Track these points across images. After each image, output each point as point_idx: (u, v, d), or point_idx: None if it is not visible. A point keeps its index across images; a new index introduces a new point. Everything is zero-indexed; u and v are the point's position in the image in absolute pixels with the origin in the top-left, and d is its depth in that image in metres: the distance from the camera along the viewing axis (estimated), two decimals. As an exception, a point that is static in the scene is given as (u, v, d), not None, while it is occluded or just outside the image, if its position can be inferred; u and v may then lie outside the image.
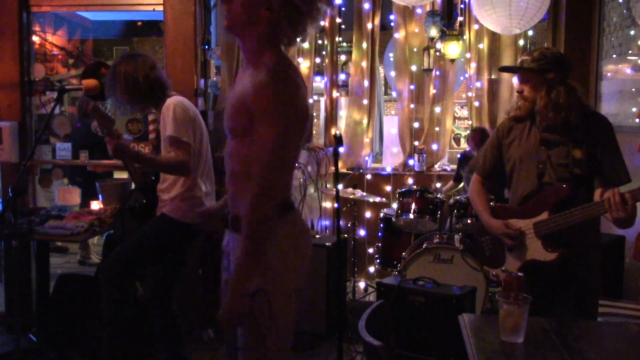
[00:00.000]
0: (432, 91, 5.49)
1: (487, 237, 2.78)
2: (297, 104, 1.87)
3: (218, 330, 1.82)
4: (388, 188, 5.41)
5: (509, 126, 2.72)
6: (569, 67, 2.62)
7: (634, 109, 3.73)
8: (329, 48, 5.52)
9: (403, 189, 4.63)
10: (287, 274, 1.97)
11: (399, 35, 5.50)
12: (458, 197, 4.42)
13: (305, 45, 5.51)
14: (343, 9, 5.62)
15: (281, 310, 1.95)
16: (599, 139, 2.54)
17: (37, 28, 4.81)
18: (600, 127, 2.58)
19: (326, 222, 5.40)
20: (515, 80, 2.81)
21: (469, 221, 4.26)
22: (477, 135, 4.92)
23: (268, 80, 1.84)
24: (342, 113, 5.79)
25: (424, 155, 5.39)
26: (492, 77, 5.43)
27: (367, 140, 5.60)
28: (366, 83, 5.53)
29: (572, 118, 2.52)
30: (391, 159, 5.97)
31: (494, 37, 5.33)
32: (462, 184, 5.14)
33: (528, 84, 2.59)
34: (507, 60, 5.33)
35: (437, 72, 5.45)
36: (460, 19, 5.38)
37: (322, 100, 6.14)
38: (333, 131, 5.33)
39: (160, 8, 4.30)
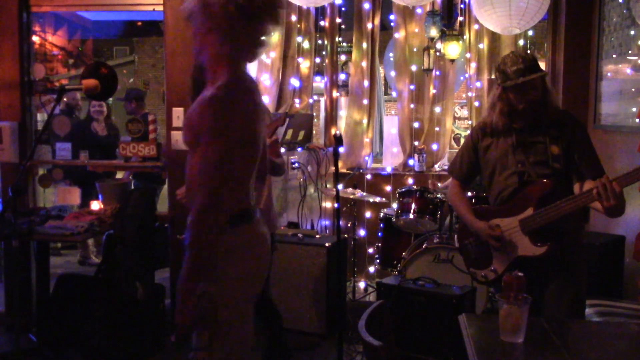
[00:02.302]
0: (432, 91, 5.49)
1: (471, 239, 2.80)
2: (242, 125, 1.92)
3: (178, 336, 1.93)
4: (388, 188, 5.41)
5: (482, 132, 2.76)
6: None
7: (634, 109, 3.73)
8: (329, 48, 5.52)
9: (403, 189, 4.62)
10: (241, 282, 2.04)
11: (399, 35, 5.49)
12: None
13: (305, 45, 5.51)
14: (343, 9, 5.62)
15: (232, 315, 2.01)
16: (573, 134, 2.60)
17: (37, 28, 4.81)
18: (573, 123, 2.65)
19: (326, 222, 5.40)
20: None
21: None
22: None
23: (212, 98, 1.88)
24: (342, 113, 5.78)
25: (424, 155, 5.38)
26: (492, 77, 5.42)
27: (367, 140, 5.60)
28: (366, 83, 5.52)
29: (551, 114, 2.61)
30: (391, 159, 5.96)
31: (494, 37, 5.33)
32: None
33: (537, 90, 2.60)
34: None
35: (437, 72, 5.45)
36: (460, 19, 5.38)
37: (322, 100, 6.14)
38: (333, 131, 5.33)
39: (160, 8, 4.30)
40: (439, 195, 4.52)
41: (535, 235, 2.56)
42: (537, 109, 2.60)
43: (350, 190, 4.71)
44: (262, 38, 1.99)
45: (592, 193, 2.37)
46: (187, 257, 1.91)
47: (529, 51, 5.36)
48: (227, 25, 1.91)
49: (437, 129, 5.51)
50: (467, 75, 5.58)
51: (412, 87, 5.47)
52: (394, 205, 4.70)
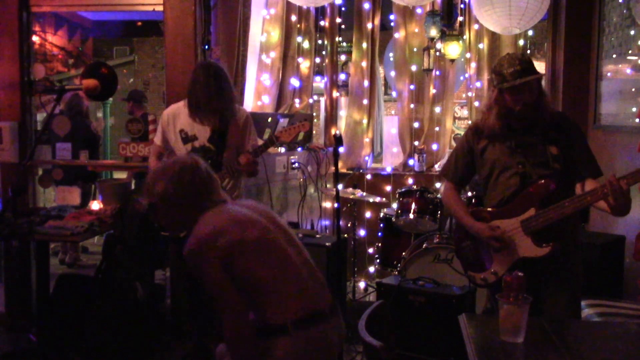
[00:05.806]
0: (432, 91, 5.48)
1: (468, 242, 2.77)
2: (213, 257, 2.08)
3: None
4: (388, 188, 5.41)
5: (477, 134, 2.73)
6: None
7: (634, 109, 3.72)
8: (329, 48, 5.52)
9: (403, 189, 4.62)
10: None
11: (399, 35, 5.49)
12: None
13: (305, 45, 5.51)
14: (343, 9, 5.62)
15: None
16: (570, 135, 2.61)
17: (37, 28, 4.81)
18: (569, 124, 2.66)
19: (326, 222, 5.40)
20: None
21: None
22: None
23: (192, 254, 2.12)
24: (342, 113, 5.79)
25: (424, 155, 5.38)
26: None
27: (367, 140, 5.60)
28: (366, 83, 5.52)
29: (547, 116, 2.61)
30: (391, 159, 5.96)
31: (494, 37, 5.33)
32: None
33: (533, 92, 2.57)
34: (507, 60, 5.31)
35: (437, 72, 5.45)
36: (460, 19, 5.38)
37: (322, 100, 6.14)
38: (333, 131, 5.33)
39: (160, 8, 4.30)
40: (438, 196, 4.52)
41: (537, 236, 2.54)
42: (534, 110, 2.58)
43: (350, 190, 4.71)
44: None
45: (597, 192, 2.37)
46: None
47: (528, 51, 5.37)
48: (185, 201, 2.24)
49: (437, 129, 5.51)
50: (467, 75, 5.58)
51: (412, 87, 5.47)
52: (394, 205, 4.70)
